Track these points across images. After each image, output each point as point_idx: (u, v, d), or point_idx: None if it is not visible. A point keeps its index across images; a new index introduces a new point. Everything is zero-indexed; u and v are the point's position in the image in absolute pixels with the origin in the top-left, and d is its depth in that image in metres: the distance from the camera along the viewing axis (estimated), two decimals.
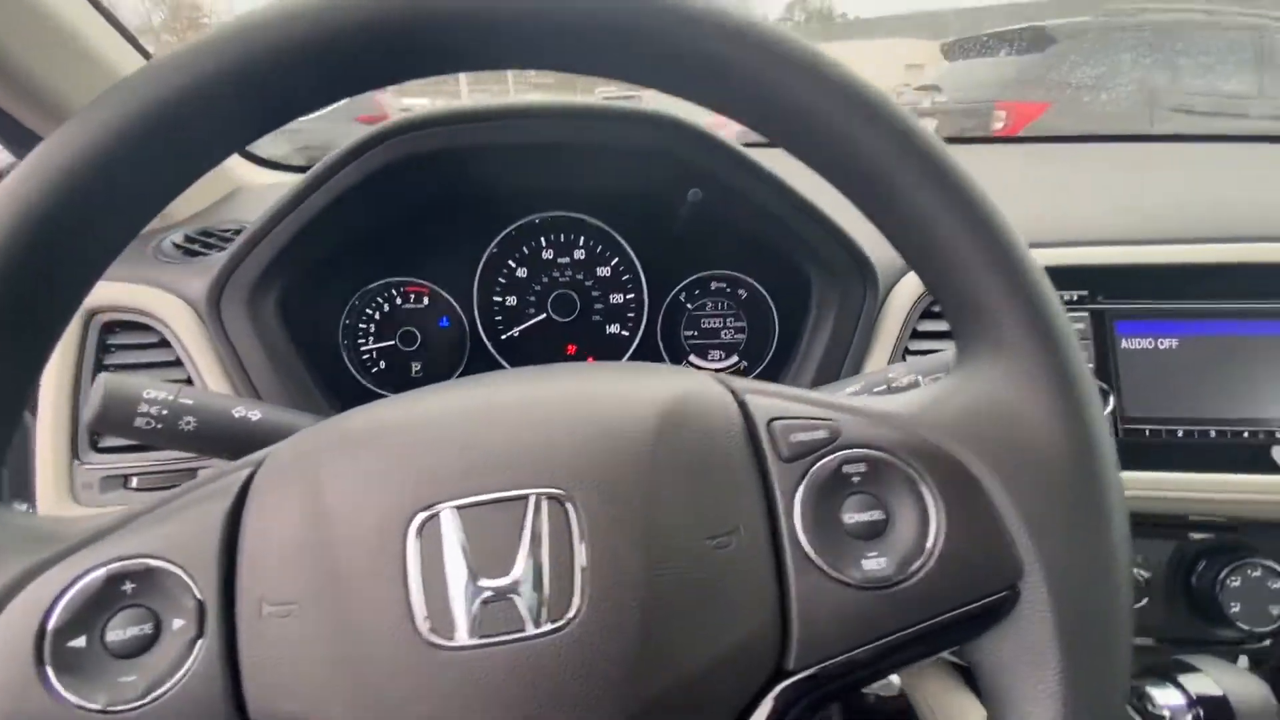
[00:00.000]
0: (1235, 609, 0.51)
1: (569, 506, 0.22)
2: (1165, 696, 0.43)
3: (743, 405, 0.26)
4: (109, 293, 0.49)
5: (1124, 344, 0.52)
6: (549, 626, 0.21)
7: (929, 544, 0.24)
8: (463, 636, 0.20)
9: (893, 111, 0.24)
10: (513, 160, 0.52)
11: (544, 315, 0.60)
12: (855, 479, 0.25)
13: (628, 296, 0.61)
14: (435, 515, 0.22)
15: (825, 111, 0.24)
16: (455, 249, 0.59)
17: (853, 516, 0.24)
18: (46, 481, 0.48)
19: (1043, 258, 0.54)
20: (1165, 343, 0.52)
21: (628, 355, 0.61)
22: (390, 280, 0.58)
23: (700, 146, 0.50)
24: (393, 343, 0.58)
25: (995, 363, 0.25)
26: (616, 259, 0.60)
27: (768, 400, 0.26)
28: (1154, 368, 0.52)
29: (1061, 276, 0.53)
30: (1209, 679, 0.43)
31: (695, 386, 0.26)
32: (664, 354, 0.62)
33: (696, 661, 0.22)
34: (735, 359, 0.62)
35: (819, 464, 0.24)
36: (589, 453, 0.23)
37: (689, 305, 0.61)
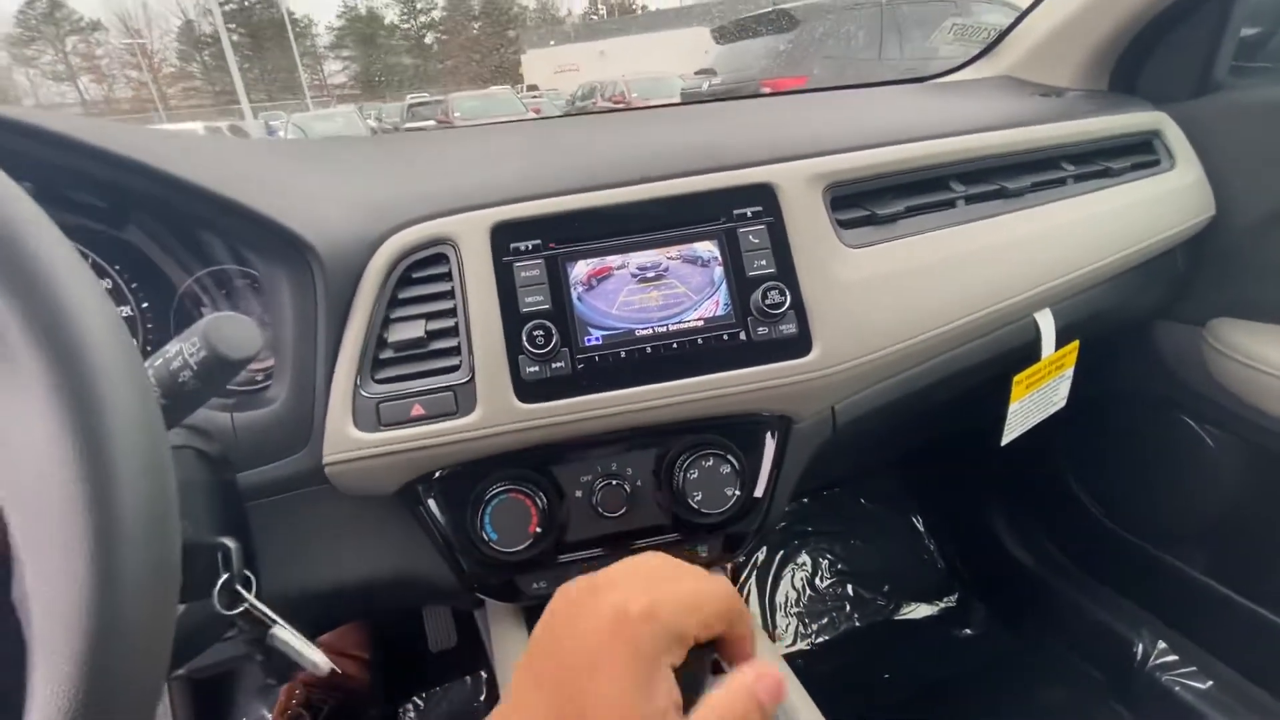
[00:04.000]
0: (697, 496, 0.59)
1: None
2: None
3: None
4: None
5: (574, 282, 0.58)
6: None
7: None
8: None
9: None
10: None
11: None
12: None
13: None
14: None
15: None
16: None
17: None
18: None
19: (502, 214, 0.57)
20: (608, 274, 0.58)
21: None
22: None
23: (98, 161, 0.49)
24: None
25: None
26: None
27: None
28: (603, 297, 0.58)
29: (521, 229, 0.58)
30: None
31: None
32: None
33: None
34: None
35: None
36: None
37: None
